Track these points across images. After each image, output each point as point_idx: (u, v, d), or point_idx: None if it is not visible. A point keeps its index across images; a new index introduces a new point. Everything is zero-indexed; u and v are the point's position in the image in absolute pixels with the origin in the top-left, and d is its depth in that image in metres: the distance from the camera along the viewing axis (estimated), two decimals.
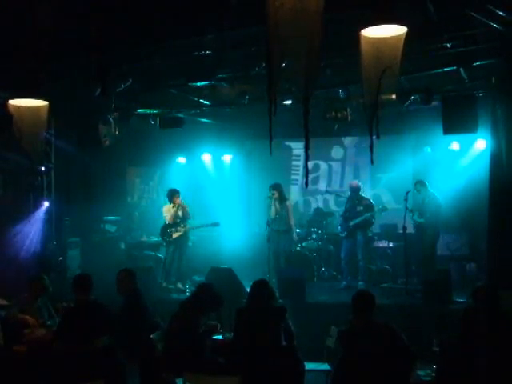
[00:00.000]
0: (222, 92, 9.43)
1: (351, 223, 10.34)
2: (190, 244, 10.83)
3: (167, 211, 10.63)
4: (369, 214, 10.28)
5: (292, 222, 10.69)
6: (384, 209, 10.65)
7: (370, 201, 10.68)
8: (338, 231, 10.97)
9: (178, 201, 10.57)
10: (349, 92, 9.23)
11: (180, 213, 10.55)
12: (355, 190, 10.56)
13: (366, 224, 10.41)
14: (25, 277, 7.72)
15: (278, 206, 10.49)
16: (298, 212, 13.02)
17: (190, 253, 11.28)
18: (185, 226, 10.54)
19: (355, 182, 10.86)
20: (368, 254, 10.65)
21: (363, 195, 10.73)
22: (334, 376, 5.30)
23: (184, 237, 10.58)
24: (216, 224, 10.98)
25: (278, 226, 10.48)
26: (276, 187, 10.62)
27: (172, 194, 10.65)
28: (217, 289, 6.30)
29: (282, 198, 10.65)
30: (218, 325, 6.43)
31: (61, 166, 10.45)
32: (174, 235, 10.48)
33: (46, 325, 6.87)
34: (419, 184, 10.34)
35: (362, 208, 10.37)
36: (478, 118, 8.58)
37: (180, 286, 10.31)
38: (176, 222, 10.52)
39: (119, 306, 6.43)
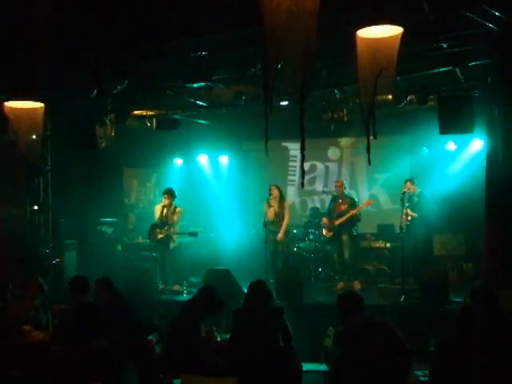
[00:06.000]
0: (219, 93, 9.43)
1: (336, 223, 10.36)
2: (171, 247, 10.48)
3: (157, 210, 10.55)
4: (354, 211, 10.31)
5: (287, 222, 10.60)
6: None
7: (353, 198, 10.73)
8: (322, 232, 10.96)
9: (166, 201, 10.41)
10: (345, 93, 9.25)
11: (167, 214, 10.40)
12: (340, 189, 10.62)
13: (352, 222, 10.42)
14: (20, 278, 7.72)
15: (276, 207, 10.47)
16: (294, 213, 13.00)
17: (187, 254, 11.26)
18: (168, 230, 10.37)
19: (339, 181, 10.93)
20: (355, 253, 10.65)
21: (347, 194, 10.76)
22: (331, 376, 5.30)
23: (167, 239, 10.40)
24: (194, 234, 10.79)
25: (277, 227, 10.46)
26: (276, 188, 10.58)
27: (162, 193, 10.62)
28: (218, 293, 6.28)
29: (282, 199, 10.61)
30: (215, 333, 6.40)
31: (57, 167, 10.43)
32: (158, 236, 10.35)
33: (43, 326, 6.88)
34: (409, 182, 10.32)
35: (346, 206, 10.40)
36: (474, 117, 8.59)
37: (177, 287, 10.25)
38: (162, 222, 10.38)
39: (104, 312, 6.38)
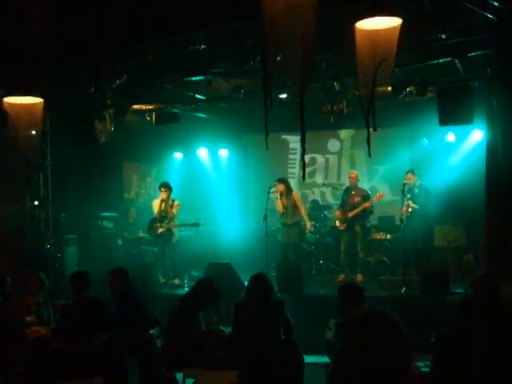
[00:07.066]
0: (218, 86, 9.41)
1: (350, 215, 10.35)
2: (174, 241, 10.54)
3: (155, 205, 10.56)
4: (367, 204, 10.29)
5: (303, 211, 10.54)
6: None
7: (366, 191, 10.70)
8: (335, 224, 10.95)
9: (163, 195, 10.40)
10: (344, 85, 9.23)
11: (166, 208, 10.39)
12: (354, 181, 10.59)
13: (365, 214, 10.41)
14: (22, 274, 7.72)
15: (284, 199, 10.36)
16: None
17: (187, 248, 11.27)
18: (169, 223, 10.37)
19: (354, 173, 10.86)
20: (367, 246, 10.66)
21: (360, 186, 10.73)
22: (332, 368, 5.31)
23: (168, 233, 10.41)
24: (196, 225, 10.82)
25: (286, 220, 10.40)
26: (281, 181, 10.43)
27: (159, 187, 10.61)
28: (216, 284, 6.30)
29: (289, 192, 10.44)
30: (221, 327, 6.39)
31: (57, 163, 10.43)
32: (159, 230, 10.37)
33: (45, 322, 6.88)
34: (410, 173, 10.31)
35: (359, 199, 10.38)
36: (474, 108, 8.57)
37: (177, 281, 10.26)
38: (162, 216, 10.38)
39: (115, 304, 6.40)
